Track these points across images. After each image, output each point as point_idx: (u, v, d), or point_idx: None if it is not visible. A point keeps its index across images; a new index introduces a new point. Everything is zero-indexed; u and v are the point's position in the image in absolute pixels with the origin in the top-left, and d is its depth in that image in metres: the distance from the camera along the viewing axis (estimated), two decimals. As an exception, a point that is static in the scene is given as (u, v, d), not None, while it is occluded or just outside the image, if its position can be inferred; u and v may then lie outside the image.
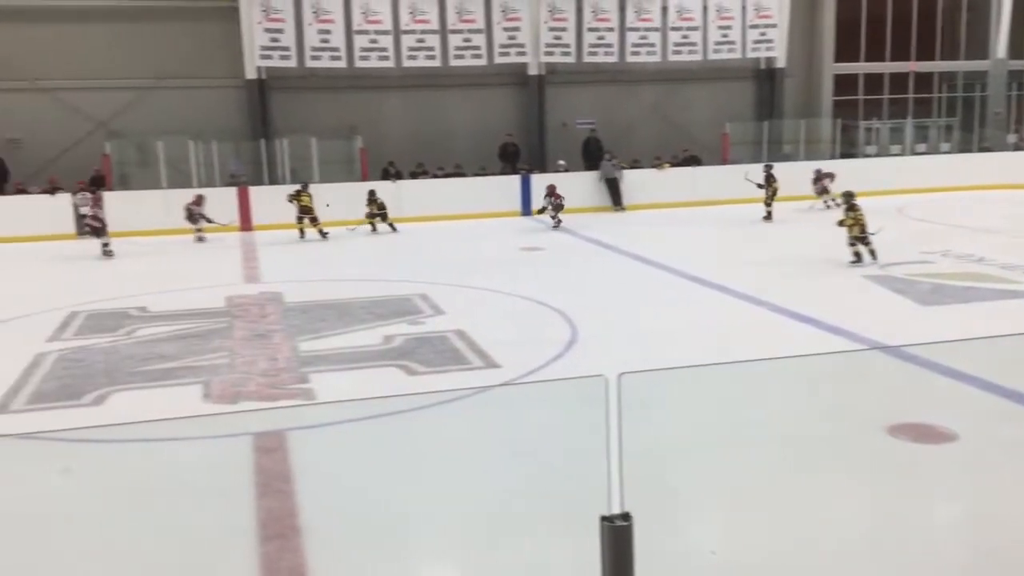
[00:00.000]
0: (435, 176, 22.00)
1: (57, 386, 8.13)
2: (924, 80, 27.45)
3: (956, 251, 13.65)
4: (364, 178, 20.42)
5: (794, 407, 6.67)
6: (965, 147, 25.73)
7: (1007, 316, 9.80)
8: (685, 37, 23.36)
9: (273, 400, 7.60)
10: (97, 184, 18.89)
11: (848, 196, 13.08)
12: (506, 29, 22.25)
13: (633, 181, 21.17)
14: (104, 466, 5.92)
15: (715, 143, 23.43)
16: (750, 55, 24.18)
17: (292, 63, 21.12)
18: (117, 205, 17.84)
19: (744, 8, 23.63)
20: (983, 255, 13.20)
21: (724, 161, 22.69)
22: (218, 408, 7.38)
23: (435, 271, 13.50)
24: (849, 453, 5.98)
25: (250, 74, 21.33)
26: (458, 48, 21.92)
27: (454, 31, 21.84)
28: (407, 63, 21.70)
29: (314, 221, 17.52)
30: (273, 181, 20.33)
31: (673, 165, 22.31)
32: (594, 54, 22.92)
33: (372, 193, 18.54)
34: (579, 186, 20.89)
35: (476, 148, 22.61)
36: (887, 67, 26.98)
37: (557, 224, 18.29)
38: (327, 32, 21.08)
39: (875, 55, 26.77)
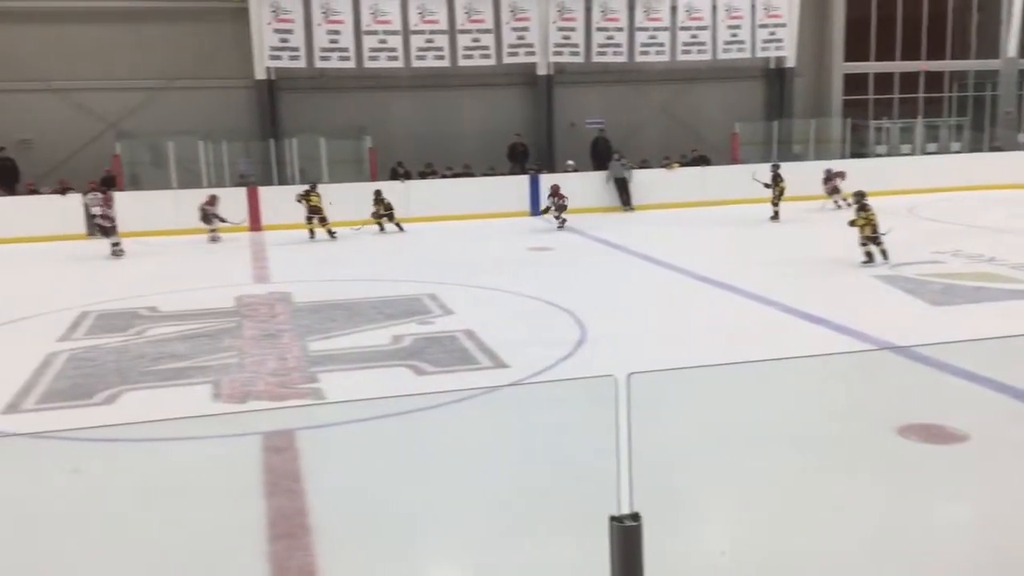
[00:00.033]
0: (444, 176, 22.01)
1: (68, 385, 8.17)
2: (935, 79, 27.34)
3: (967, 251, 13.60)
4: (373, 178, 20.45)
5: (804, 407, 6.65)
6: (976, 147, 25.62)
7: (1018, 316, 9.75)
8: (694, 37, 23.32)
9: (282, 400, 7.61)
10: (108, 184, 18.96)
11: (859, 196, 13.04)
12: (515, 29, 22.24)
13: (642, 181, 21.14)
14: (115, 465, 5.94)
15: (724, 143, 23.38)
16: (760, 55, 24.12)
17: (301, 64, 21.17)
18: (127, 205, 17.90)
19: (754, 7, 23.57)
20: (994, 255, 13.15)
21: (734, 161, 22.62)
22: (228, 407, 7.40)
23: (444, 271, 13.51)
24: (859, 454, 5.96)
25: (260, 75, 21.38)
26: (467, 48, 21.93)
27: (463, 31, 21.85)
28: (416, 63, 21.72)
29: (323, 221, 17.56)
30: (282, 181, 20.37)
31: (682, 165, 22.26)
32: (603, 54, 22.89)
33: (378, 193, 18.57)
34: (588, 186, 20.89)
35: (485, 148, 22.62)
36: (897, 66, 26.89)
37: (561, 224, 18.23)
38: (336, 33, 21.12)
39: (885, 54, 26.68)
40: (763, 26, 23.74)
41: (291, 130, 21.42)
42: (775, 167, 18.82)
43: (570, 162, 22.00)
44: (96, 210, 17.00)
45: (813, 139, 23.82)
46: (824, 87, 26.02)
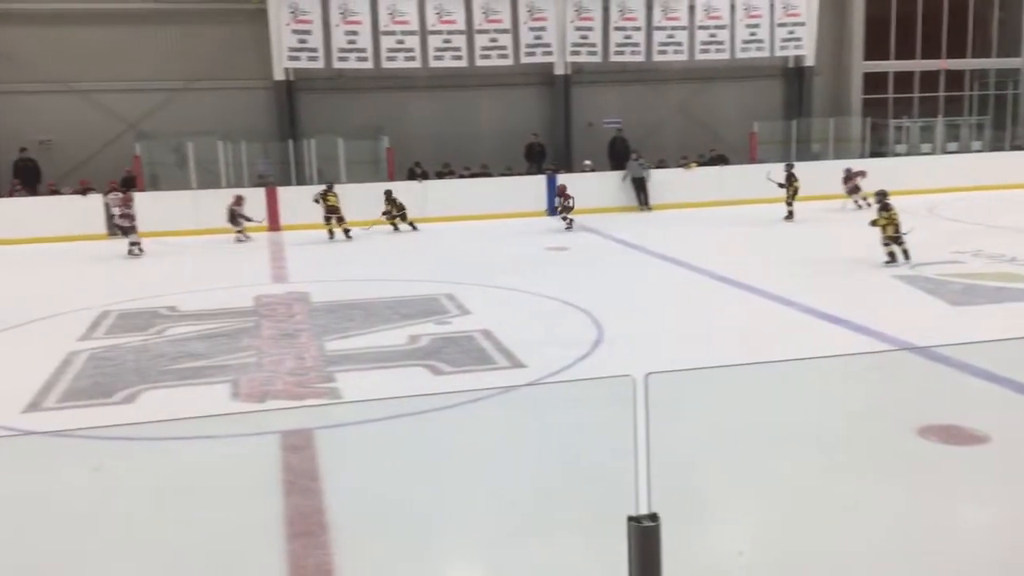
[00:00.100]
0: (461, 176, 22.04)
1: (89, 384, 8.23)
2: (955, 78, 27.13)
3: (988, 251, 13.48)
4: (390, 178, 20.51)
5: (823, 408, 6.61)
6: (997, 145, 25.41)
7: (1040, 317, 9.67)
8: (713, 36, 23.25)
9: (300, 399, 7.64)
10: (128, 185, 19.11)
11: (881, 195, 12.94)
12: (532, 29, 22.25)
13: (660, 181, 21.09)
14: (134, 463, 5.98)
15: (743, 142, 23.29)
16: (778, 53, 24.01)
17: (320, 64, 21.26)
18: (147, 205, 18.03)
19: (772, 6, 23.47)
20: (1015, 255, 13.02)
21: (752, 160, 22.54)
22: (246, 407, 7.44)
23: (461, 271, 13.52)
24: (878, 454, 5.92)
25: (278, 75, 21.49)
26: (484, 48, 21.95)
27: (480, 31, 21.87)
28: (433, 63, 21.76)
29: (340, 221, 17.61)
30: (300, 181, 20.46)
31: (700, 164, 22.20)
32: (621, 53, 22.86)
33: (389, 193, 18.63)
34: (605, 186, 20.87)
35: (502, 148, 22.63)
36: (917, 65, 26.71)
37: (569, 225, 18.08)
38: (354, 33, 21.19)
39: (905, 53, 26.50)
40: (782, 25, 23.64)
41: (309, 130, 21.50)
42: (789, 167, 18.75)
43: (587, 162, 21.98)
44: (115, 210, 17.14)
45: (832, 138, 23.69)
46: (843, 86, 25.87)
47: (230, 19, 21.78)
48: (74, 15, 21.03)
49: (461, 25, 21.75)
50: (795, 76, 24.80)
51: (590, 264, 14.43)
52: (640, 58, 23.01)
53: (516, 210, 19.78)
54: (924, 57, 26.62)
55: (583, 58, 22.84)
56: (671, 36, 23.03)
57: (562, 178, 20.21)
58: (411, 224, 18.60)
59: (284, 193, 19.53)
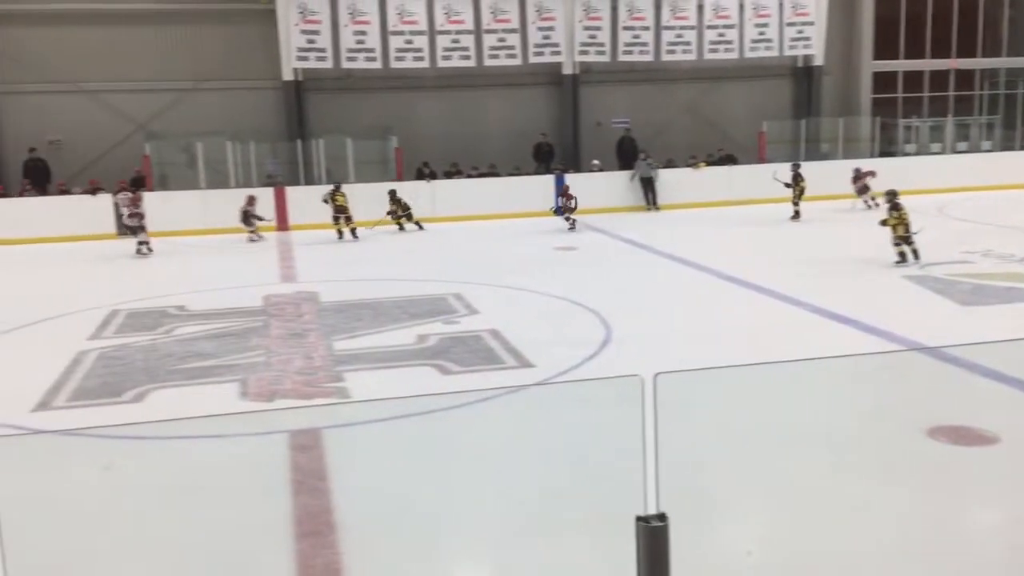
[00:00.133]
0: (469, 176, 22.04)
1: (98, 383, 8.26)
2: (965, 77, 27.02)
3: (998, 251, 13.43)
4: (399, 178, 20.53)
5: (832, 408, 6.59)
6: (1007, 145, 25.29)
7: (1051, 317, 9.63)
8: (721, 35, 23.20)
9: (309, 398, 7.66)
10: (137, 185, 19.17)
11: (891, 195, 12.88)
12: (541, 28, 22.23)
13: (668, 181, 21.06)
14: (143, 462, 6.00)
15: (752, 142, 23.24)
16: (787, 53, 23.94)
17: (328, 64, 21.28)
18: (156, 205, 18.08)
19: (781, 6, 23.41)
20: (1026, 255, 12.98)
21: (761, 160, 22.46)
22: (255, 406, 7.46)
23: (469, 271, 13.53)
24: (888, 455, 5.90)
25: (287, 75, 21.52)
26: (493, 48, 21.95)
27: (489, 31, 21.87)
28: (442, 63, 21.76)
29: (348, 220, 17.64)
30: (309, 181, 20.49)
31: (709, 164, 22.16)
32: (629, 53, 22.82)
33: (393, 193, 18.67)
34: (613, 186, 20.85)
35: (510, 148, 22.63)
36: (927, 64, 26.60)
37: (572, 225, 17.97)
38: (363, 33, 21.20)
39: (915, 52, 26.40)
40: (791, 24, 23.57)
41: (318, 131, 21.53)
42: (795, 166, 18.72)
43: (595, 162, 21.96)
44: (124, 210, 17.22)
45: (841, 138, 23.61)
46: (852, 85, 25.79)
47: (239, 19, 21.83)
48: (83, 15, 21.10)
49: (469, 25, 21.75)
50: (804, 76, 24.73)
51: (598, 264, 14.42)
52: (649, 58, 22.97)
53: (524, 210, 19.76)
54: (934, 56, 26.51)
55: (591, 58, 22.81)
56: (680, 36, 22.99)
57: (575, 178, 20.20)
58: (417, 223, 18.62)
59: (293, 193, 19.56)
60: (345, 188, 18.02)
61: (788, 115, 24.45)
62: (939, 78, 26.74)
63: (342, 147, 20.57)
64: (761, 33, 23.39)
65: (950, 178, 21.65)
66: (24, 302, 12.24)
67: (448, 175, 21.84)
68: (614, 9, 22.53)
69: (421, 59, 21.57)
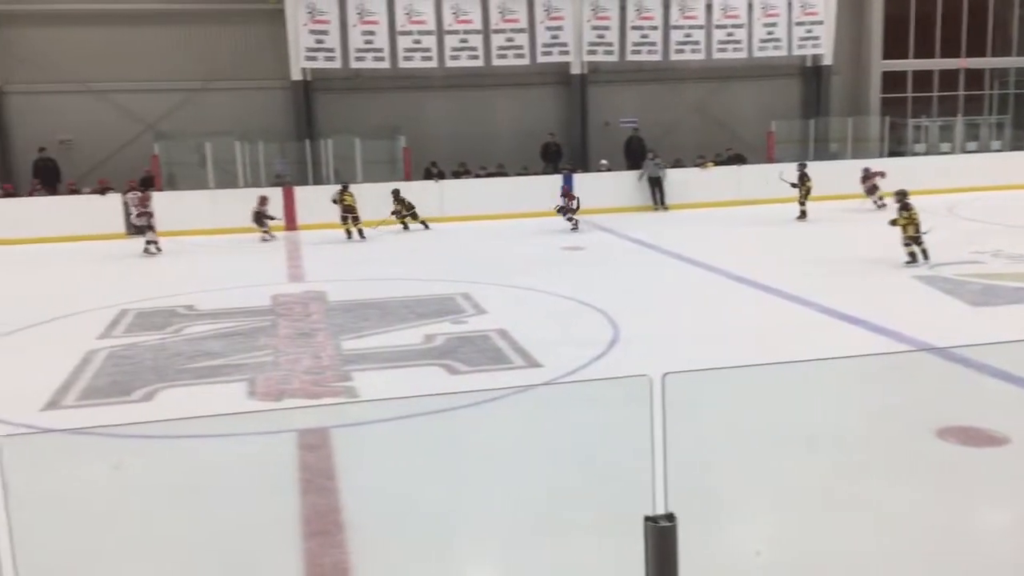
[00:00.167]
0: (477, 176, 22.05)
1: (107, 382, 8.29)
2: (975, 77, 26.93)
3: (1007, 251, 13.37)
4: (407, 178, 20.55)
5: (841, 409, 6.57)
6: (1017, 145, 25.14)
7: (1061, 317, 9.58)
8: (730, 35, 23.16)
9: (317, 398, 7.67)
10: (147, 184, 19.23)
11: (901, 195, 12.83)
12: (549, 28, 22.23)
13: (676, 180, 21.02)
14: (152, 461, 6.01)
15: (760, 141, 23.19)
16: (796, 52, 23.89)
17: (337, 64, 21.31)
18: (165, 205, 18.13)
19: (790, 5, 23.36)
20: (1036, 255, 12.93)
21: (769, 160, 22.41)
22: (263, 405, 7.47)
23: (477, 270, 13.53)
24: (897, 456, 5.88)
25: (296, 75, 21.57)
26: (501, 48, 21.95)
27: (497, 31, 21.88)
28: (450, 63, 21.78)
29: (356, 220, 17.66)
30: (317, 181, 20.52)
31: (717, 164, 22.11)
32: (637, 52, 22.80)
33: (396, 192, 18.70)
34: (621, 186, 20.83)
35: (518, 148, 22.63)
36: (937, 64, 26.52)
37: (575, 226, 17.88)
38: (371, 33, 21.23)
39: (924, 51, 26.32)
40: (799, 24, 23.52)
41: (326, 130, 21.56)
42: (802, 166, 18.69)
43: (604, 161, 21.95)
44: (132, 210, 17.28)
45: (850, 137, 23.55)
46: (862, 85, 25.72)
47: (248, 19, 21.88)
48: (93, 16, 21.17)
49: (478, 25, 21.76)
50: (813, 75, 24.67)
51: (606, 264, 14.41)
52: (657, 57, 22.95)
53: (532, 210, 19.74)
54: (943, 56, 26.42)
55: (600, 57, 22.79)
56: (688, 35, 22.96)
57: (585, 177, 20.16)
58: (423, 222, 18.65)
59: (301, 193, 19.59)
60: (353, 188, 18.04)
61: (797, 115, 24.39)
62: (949, 78, 26.65)
63: (350, 147, 20.59)
64: (770, 32, 23.35)
65: (960, 178, 21.57)
66: (34, 301, 12.29)
67: (456, 175, 21.85)
68: (622, 9, 22.51)
69: (429, 59, 21.58)
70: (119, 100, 21.45)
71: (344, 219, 17.64)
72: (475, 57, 21.84)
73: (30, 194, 19.76)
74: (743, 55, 23.37)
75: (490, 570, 4.95)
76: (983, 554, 4.71)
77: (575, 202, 18.07)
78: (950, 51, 26.40)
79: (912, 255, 12.50)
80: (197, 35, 21.68)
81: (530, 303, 11.30)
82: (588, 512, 5.05)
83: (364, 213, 17.77)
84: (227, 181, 19.81)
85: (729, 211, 19.92)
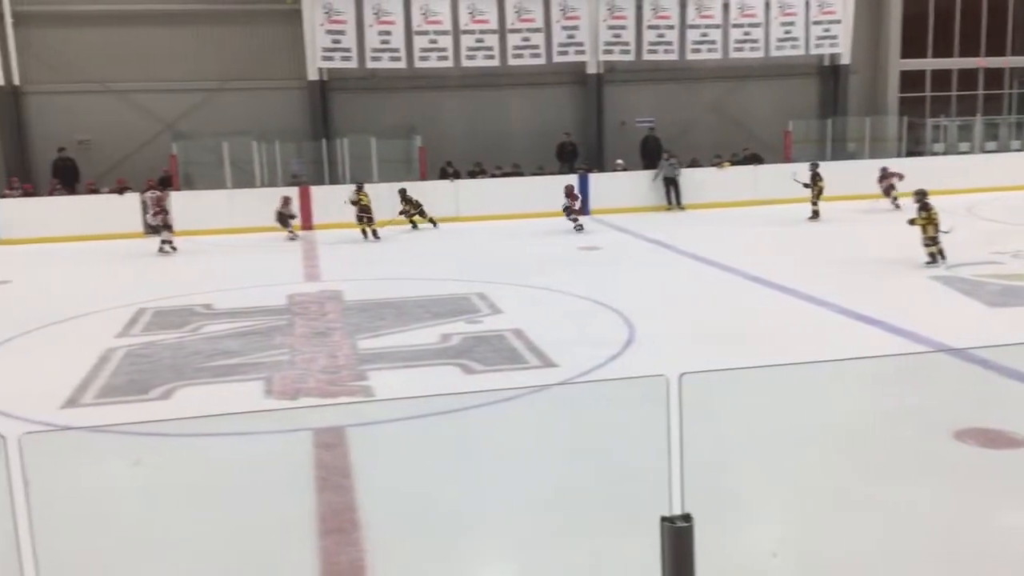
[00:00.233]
0: (493, 175, 22.04)
1: (125, 381, 8.34)
2: (994, 76, 26.72)
3: (1027, 252, 13.28)
4: (423, 177, 20.59)
5: (858, 410, 6.55)
6: (1037, 144, 25.00)
7: (1081, 319, 9.50)
8: (747, 34, 23.08)
9: (333, 397, 7.69)
10: (165, 184, 19.35)
11: (921, 195, 12.74)
12: (565, 28, 22.21)
13: (693, 180, 20.95)
14: (170, 459, 6.06)
15: (777, 141, 23.08)
16: (814, 51, 23.78)
17: (353, 64, 21.38)
18: (183, 205, 18.25)
19: (808, 4, 23.26)
20: (1056, 256, 12.82)
21: (787, 159, 22.28)
22: (279, 404, 7.51)
23: (493, 270, 13.54)
24: (914, 457, 5.85)
25: (312, 75, 21.65)
26: (517, 47, 21.96)
27: (513, 30, 21.89)
28: (466, 63, 21.80)
29: (370, 221, 17.69)
30: (333, 181, 20.57)
31: (734, 164, 22.03)
32: (654, 52, 22.76)
33: (403, 192, 18.74)
34: (637, 186, 20.79)
35: (534, 147, 22.62)
36: (955, 63, 26.33)
37: (579, 228, 17.75)
38: (387, 33, 21.28)
39: (943, 51, 26.14)
40: (817, 23, 23.41)
41: (342, 130, 21.62)
42: (814, 166, 18.61)
43: (619, 161, 21.90)
44: (149, 210, 17.39)
45: (868, 137, 23.42)
46: (880, 84, 25.57)
47: (265, 20, 21.97)
48: (111, 16, 21.30)
49: (494, 24, 21.77)
50: (831, 74, 24.56)
51: (621, 264, 14.39)
52: (673, 57, 22.89)
53: (548, 210, 19.71)
54: (962, 55, 26.23)
55: (616, 57, 22.76)
56: (705, 34, 22.89)
57: (601, 177, 20.08)
58: (431, 220, 18.68)
59: (317, 192, 19.66)
60: (369, 188, 18.08)
61: (814, 114, 24.28)
62: (967, 77, 26.46)
63: (366, 146, 20.63)
64: (787, 32, 23.25)
65: (979, 178, 21.41)
66: (53, 300, 12.39)
67: (472, 175, 21.86)
68: (639, 8, 22.46)
69: (445, 59, 21.62)
70: (137, 100, 21.58)
71: (360, 219, 17.69)
72: (491, 57, 21.86)
73: (50, 194, 19.89)
74: (760, 54, 23.29)
75: (505, 569, 4.95)
76: (1000, 556, 4.68)
77: (578, 202, 18.01)
78: (969, 50, 26.22)
79: (932, 255, 12.41)
80: (215, 35, 21.78)
81: (545, 303, 11.30)
82: (604, 512, 5.05)
83: (380, 212, 17.81)
84: (244, 181, 19.90)
85: (745, 211, 19.84)
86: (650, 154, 22.22)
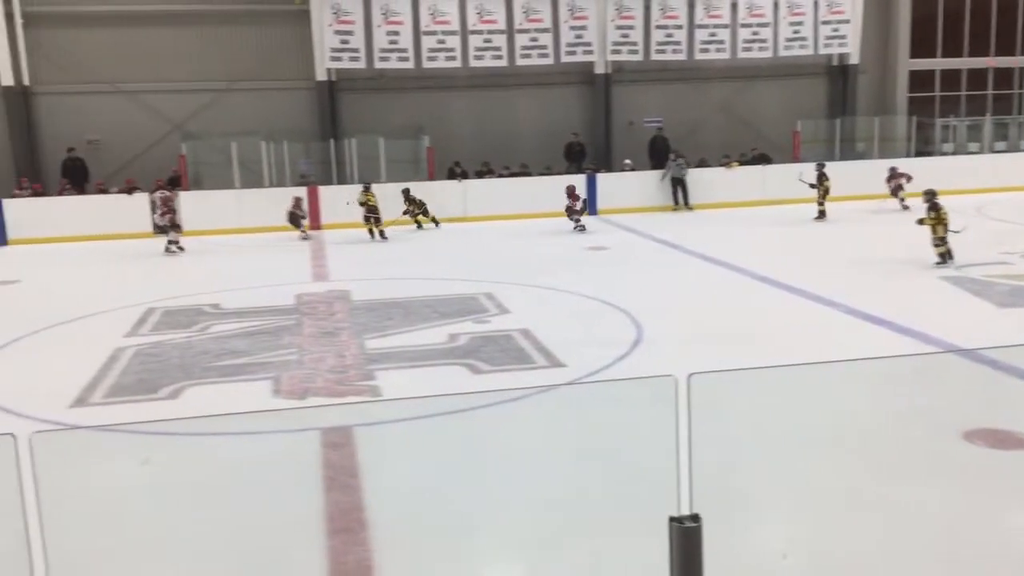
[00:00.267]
0: (501, 176, 22.04)
1: (134, 380, 8.37)
2: (1004, 76, 26.62)
3: (1037, 252, 13.22)
4: (431, 177, 20.62)
5: (866, 410, 6.53)
6: (1047, 145, 24.89)
7: (1092, 319, 9.46)
8: (755, 34, 23.04)
9: (341, 396, 7.70)
10: (174, 184, 19.40)
11: (930, 195, 12.69)
12: (573, 28, 22.21)
13: (701, 180, 20.92)
14: (178, 458, 6.07)
15: (786, 141, 23.03)
16: (822, 51, 23.73)
17: (361, 64, 21.41)
18: (192, 205, 18.30)
19: (816, 4, 23.21)
20: (1066, 256, 12.76)
21: (795, 159, 22.23)
22: (287, 403, 7.52)
23: (500, 270, 13.54)
24: (923, 458, 5.83)
25: (320, 76, 21.69)
26: (525, 48, 21.96)
27: (521, 31, 21.89)
28: (474, 63, 21.81)
29: (377, 221, 17.71)
30: (342, 181, 20.60)
31: (742, 164, 21.99)
32: (662, 52, 22.73)
33: (407, 192, 18.77)
34: (645, 186, 20.77)
35: (542, 147, 22.61)
36: (965, 63, 26.24)
37: (581, 229, 17.71)
38: (395, 34, 21.30)
39: (952, 50, 26.05)
40: (826, 22, 23.36)
41: (351, 130, 21.66)
42: (820, 166, 18.59)
43: (627, 161, 21.88)
44: (157, 210, 17.44)
45: (877, 137, 23.35)
46: (889, 84, 25.50)
47: (273, 20, 22.02)
48: (121, 17, 21.37)
49: (502, 25, 21.78)
50: (839, 74, 24.50)
51: (629, 264, 14.37)
52: (682, 56, 22.87)
53: (555, 210, 19.68)
54: (972, 55, 26.14)
55: (624, 57, 22.74)
56: (713, 34, 22.86)
57: (609, 177, 20.05)
58: (433, 219, 18.70)
59: (325, 192, 19.69)
60: (377, 188, 18.11)
61: (823, 114, 24.23)
62: (977, 76, 26.37)
63: (374, 147, 20.66)
64: (796, 31, 23.20)
65: (988, 178, 21.34)
66: (62, 300, 12.44)
67: (479, 175, 21.86)
68: (647, 8, 22.45)
69: (453, 59, 21.63)
70: (147, 100, 21.65)
71: (367, 219, 17.71)
72: (499, 57, 21.87)
73: (59, 193, 19.96)
74: (768, 54, 23.25)
75: (513, 569, 4.95)
76: (1008, 556, 4.66)
77: (579, 203, 17.97)
78: (978, 50, 26.12)
79: (942, 256, 12.37)
80: (223, 36, 21.84)
81: (553, 303, 11.30)
82: (612, 512, 5.05)
83: (388, 213, 17.83)
84: (253, 181, 19.95)
85: (754, 211, 19.81)
86: (658, 154, 22.19)
